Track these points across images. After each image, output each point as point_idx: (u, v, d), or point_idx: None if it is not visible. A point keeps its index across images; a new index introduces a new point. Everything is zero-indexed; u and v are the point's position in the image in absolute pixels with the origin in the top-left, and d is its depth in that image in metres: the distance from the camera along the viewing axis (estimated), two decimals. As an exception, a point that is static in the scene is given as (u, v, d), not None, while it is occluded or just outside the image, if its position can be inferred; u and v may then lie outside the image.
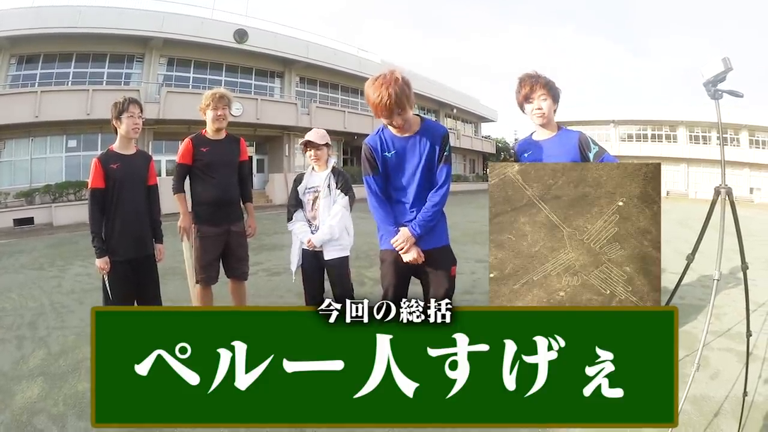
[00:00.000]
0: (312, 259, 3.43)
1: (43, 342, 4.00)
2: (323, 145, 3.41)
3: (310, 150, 3.42)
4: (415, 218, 2.57)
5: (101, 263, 3.04)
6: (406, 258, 2.55)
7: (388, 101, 2.34)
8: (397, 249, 2.55)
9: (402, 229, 2.55)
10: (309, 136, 3.40)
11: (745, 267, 2.50)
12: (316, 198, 3.42)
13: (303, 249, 3.45)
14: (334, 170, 3.46)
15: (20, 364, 3.54)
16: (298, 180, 3.52)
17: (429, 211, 2.55)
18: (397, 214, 2.61)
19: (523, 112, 2.74)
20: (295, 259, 3.51)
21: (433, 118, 35.64)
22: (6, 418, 2.75)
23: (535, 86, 2.62)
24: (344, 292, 3.39)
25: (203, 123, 3.65)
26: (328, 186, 3.39)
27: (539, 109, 2.63)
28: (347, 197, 3.43)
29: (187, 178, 3.68)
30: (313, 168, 3.51)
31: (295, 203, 3.51)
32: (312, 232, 3.40)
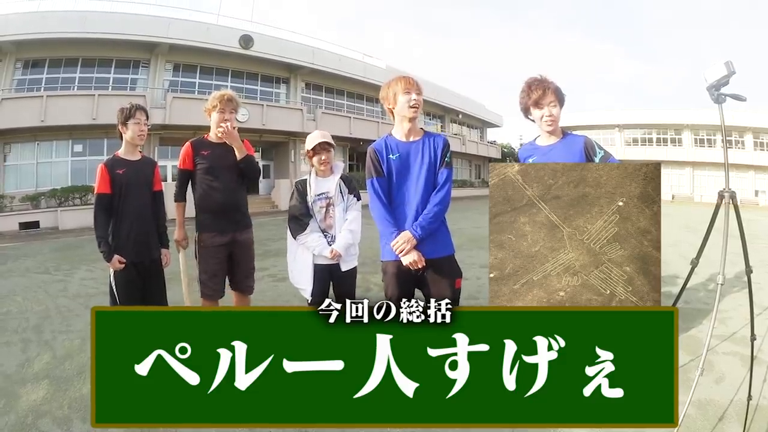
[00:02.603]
0: (323, 276, 3.10)
1: (48, 345, 4.02)
2: (331, 146, 3.14)
3: (320, 154, 3.10)
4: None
5: (114, 263, 3.04)
6: (405, 260, 2.49)
7: (411, 78, 2.59)
8: (396, 251, 2.50)
9: (403, 231, 2.52)
10: (322, 137, 3.09)
11: (749, 270, 2.49)
12: (328, 205, 3.13)
13: (315, 264, 3.09)
14: (342, 175, 3.20)
15: (25, 367, 3.56)
16: (302, 187, 3.18)
17: (430, 212, 2.53)
18: (401, 219, 2.58)
19: (527, 116, 2.68)
20: (310, 278, 3.09)
21: (439, 124, 35.44)
22: (11, 420, 2.77)
23: (546, 91, 2.55)
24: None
25: (209, 129, 3.38)
26: (341, 192, 3.14)
27: (550, 116, 2.57)
28: (360, 202, 3.20)
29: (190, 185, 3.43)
30: (316, 173, 3.18)
31: (307, 212, 3.12)
32: (328, 243, 3.08)
